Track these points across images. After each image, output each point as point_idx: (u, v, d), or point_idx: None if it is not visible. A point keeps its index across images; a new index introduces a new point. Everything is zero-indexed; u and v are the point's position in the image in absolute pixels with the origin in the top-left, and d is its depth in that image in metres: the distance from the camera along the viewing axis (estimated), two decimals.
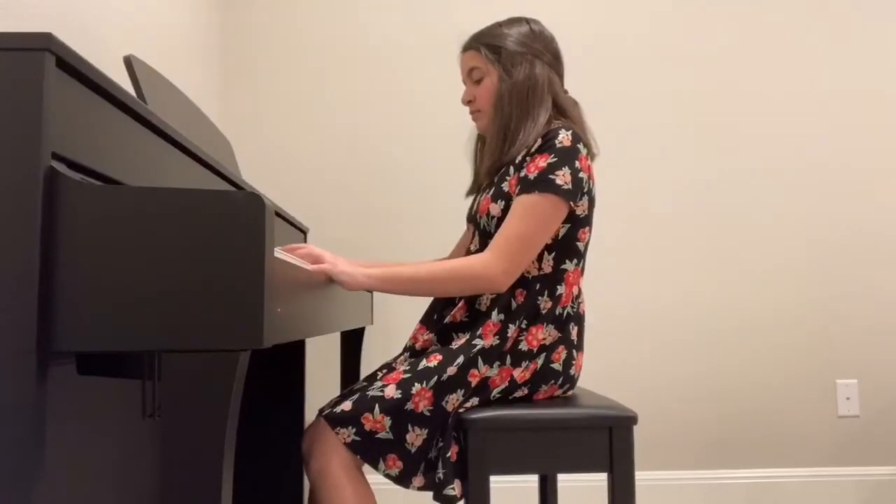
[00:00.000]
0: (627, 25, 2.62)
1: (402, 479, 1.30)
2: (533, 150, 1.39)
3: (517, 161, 1.41)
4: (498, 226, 1.40)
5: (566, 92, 1.53)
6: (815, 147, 2.60)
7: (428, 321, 1.49)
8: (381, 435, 1.29)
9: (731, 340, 2.54)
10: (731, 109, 2.60)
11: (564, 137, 1.37)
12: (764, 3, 2.63)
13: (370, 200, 2.55)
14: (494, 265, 1.32)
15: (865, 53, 2.62)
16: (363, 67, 2.59)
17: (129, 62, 1.29)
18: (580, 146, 1.38)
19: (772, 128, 2.60)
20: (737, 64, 2.61)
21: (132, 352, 0.72)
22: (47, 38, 0.67)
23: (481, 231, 1.46)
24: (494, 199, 1.42)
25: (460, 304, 1.43)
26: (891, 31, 2.63)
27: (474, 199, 1.55)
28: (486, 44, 1.48)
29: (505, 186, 1.41)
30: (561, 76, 1.51)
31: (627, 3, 2.62)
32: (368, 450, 1.29)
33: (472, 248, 1.51)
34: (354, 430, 1.28)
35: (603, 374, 2.52)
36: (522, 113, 1.43)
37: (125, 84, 1.30)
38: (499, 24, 1.50)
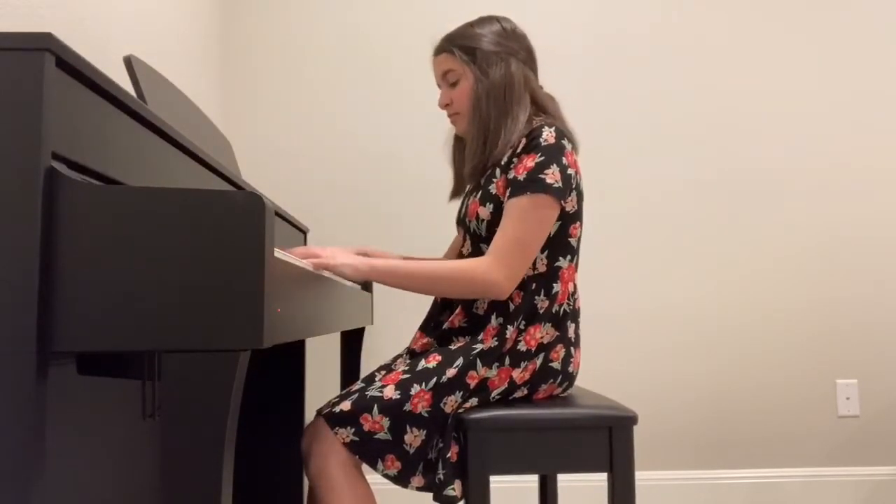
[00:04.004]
0: (627, 24, 2.62)
1: (401, 480, 1.30)
2: (519, 150, 1.38)
3: (503, 162, 1.40)
4: (488, 229, 1.40)
5: (541, 88, 1.52)
6: (815, 147, 2.60)
7: (426, 327, 1.49)
8: (380, 435, 1.28)
9: (731, 340, 2.54)
10: (732, 109, 2.60)
11: (549, 135, 1.36)
12: (764, 4, 2.63)
13: (370, 200, 2.55)
14: (497, 271, 1.32)
15: (866, 53, 2.62)
16: (363, 67, 2.59)
17: (129, 62, 1.29)
18: (565, 142, 1.38)
19: (772, 128, 2.60)
20: (737, 64, 2.61)
21: (132, 352, 0.72)
22: (47, 38, 0.67)
23: (471, 235, 1.45)
24: (482, 202, 1.41)
25: (458, 310, 1.43)
26: (891, 31, 2.63)
27: (462, 203, 1.54)
28: (459, 45, 1.47)
29: (492, 189, 1.40)
30: (535, 72, 1.51)
31: (628, 3, 2.62)
32: (367, 450, 1.29)
33: (465, 251, 1.50)
34: (353, 430, 1.28)
35: (603, 374, 2.52)
36: (501, 113, 1.42)
37: (125, 84, 1.30)
38: (470, 25, 1.49)
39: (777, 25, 2.62)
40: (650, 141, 2.59)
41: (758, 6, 2.63)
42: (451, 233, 2.46)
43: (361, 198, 2.55)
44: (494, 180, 1.40)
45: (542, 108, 1.46)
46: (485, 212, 1.40)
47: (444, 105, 1.52)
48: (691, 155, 2.59)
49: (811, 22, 2.63)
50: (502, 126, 1.41)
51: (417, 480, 1.31)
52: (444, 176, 2.52)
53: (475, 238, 1.44)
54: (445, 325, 1.43)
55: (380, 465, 1.29)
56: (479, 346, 1.34)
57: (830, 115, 2.61)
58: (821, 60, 2.62)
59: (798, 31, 2.62)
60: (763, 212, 2.58)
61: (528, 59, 1.48)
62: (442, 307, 1.49)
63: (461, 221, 1.51)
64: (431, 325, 1.48)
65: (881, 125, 2.61)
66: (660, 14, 2.62)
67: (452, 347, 1.36)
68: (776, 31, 2.62)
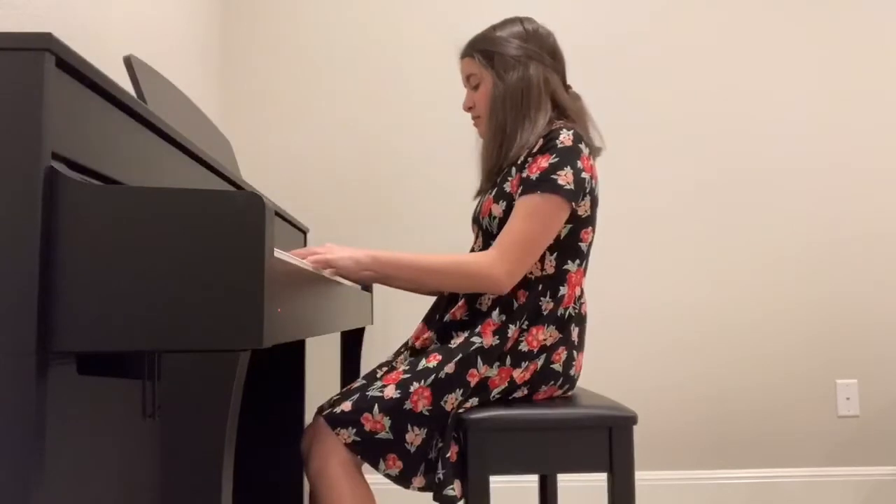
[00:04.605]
0: (628, 25, 2.62)
1: (402, 480, 1.30)
2: (534, 150, 1.38)
3: (519, 162, 1.41)
4: (500, 226, 1.40)
5: (569, 87, 1.52)
6: (815, 147, 2.60)
7: (430, 320, 1.49)
8: (381, 435, 1.28)
9: (731, 340, 2.54)
10: (732, 109, 2.60)
11: (566, 137, 1.37)
12: (764, 3, 2.63)
13: (371, 200, 2.55)
14: (499, 266, 1.32)
15: (865, 53, 2.62)
16: (364, 66, 2.59)
17: (129, 62, 1.29)
18: (581, 146, 1.38)
19: (772, 128, 2.60)
20: (737, 64, 2.61)
21: (132, 352, 0.72)
22: (47, 38, 0.67)
23: (484, 232, 1.46)
24: (496, 199, 1.42)
25: (461, 303, 1.43)
26: (890, 30, 2.63)
27: (479, 201, 1.55)
28: (479, 50, 1.48)
29: (507, 187, 1.41)
30: (561, 72, 1.51)
31: (629, 3, 2.62)
32: (369, 450, 1.29)
33: (476, 248, 1.51)
34: (354, 430, 1.28)
35: (603, 374, 2.52)
36: (518, 116, 1.43)
37: (125, 84, 1.30)
38: (493, 28, 1.50)
39: (778, 26, 2.62)
40: (650, 142, 2.59)
41: (758, 7, 2.63)
42: (452, 233, 2.47)
43: (362, 198, 2.55)
44: (510, 179, 1.41)
45: (564, 110, 1.46)
46: (498, 209, 1.41)
47: (468, 108, 1.53)
48: (691, 155, 2.59)
49: (811, 22, 2.62)
50: (518, 129, 1.42)
51: (419, 481, 1.31)
52: (445, 177, 2.53)
53: (487, 235, 1.45)
54: (447, 318, 1.43)
55: (381, 465, 1.29)
56: (478, 341, 1.34)
57: (831, 116, 2.61)
58: (822, 61, 2.62)
59: (798, 32, 2.62)
60: (763, 212, 2.58)
61: (551, 59, 1.48)
62: (448, 300, 1.49)
63: (475, 219, 1.51)
64: (435, 318, 1.48)
65: (882, 125, 2.61)
66: (660, 15, 2.62)
67: (452, 345, 1.36)
68: (777, 32, 2.62)
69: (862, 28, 2.62)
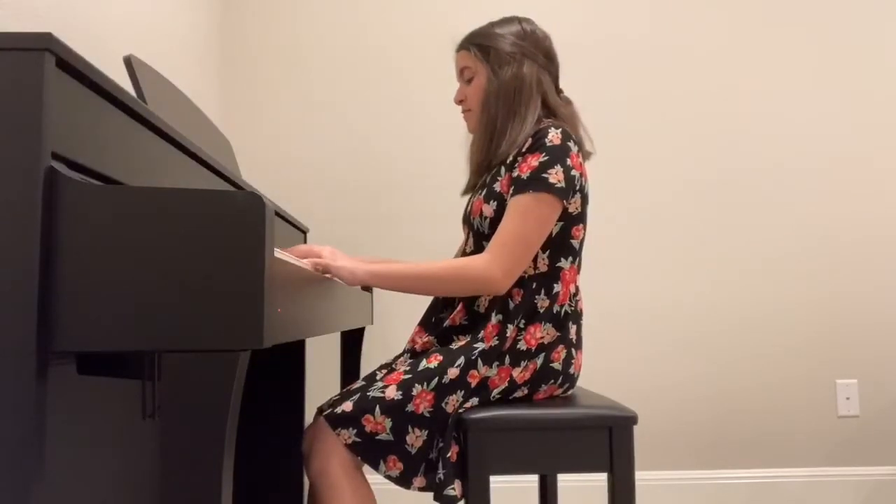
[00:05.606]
0: (627, 25, 2.62)
1: (403, 480, 1.30)
2: (524, 149, 1.39)
3: (508, 161, 1.41)
4: (491, 226, 1.40)
5: (561, 91, 1.53)
6: (815, 147, 2.60)
7: (426, 323, 1.49)
8: (382, 436, 1.29)
9: (731, 340, 2.54)
10: (731, 109, 2.60)
11: (554, 136, 1.37)
12: (764, 5, 2.63)
13: (370, 200, 2.55)
14: (495, 267, 1.33)
15: (865, 53, 2.62)
16: (364, 67, 2.59)
17: (129, 62, 1.29)
18: (570, 144, 1.38)
19: (772, 127, 2.60)
20: (737, 64, 2.61)
21: (132, 352, 0.72)
22: (47, 38, 0.67)
23: (475, 232, 1.46)
24: (487, 199, 1.42)
25: (459, 307, 1.43)
26: (890, 30, 2.63)
27: (468, 201, 1.55)
28: (476, 44, 1.49)
29: (497, 187, 1.41)
30: (554, 75, 1.51)
31: (628, 3, 2.62)
32: (369, 451, 1.29)
33: (468, 249, 1.51)
34: (355, 431, 1.28)
35: (603, 374, 2.52)
36: (509, 112, 1.44)
37: (125, 84, 1.30)
38: (491, 24, 1.51)
39: (777, 26, 2.62)
40: (650, 141, 2.59)
41: (757, 7, 2.63)
42: (451, 233, 2.47)
43: (362, 198, 2.55)
44: (499, 178, 1.41)
45: (554, 111, 1.47)
46: (488, 209, 1.41)
47: (459, 101, 1.54)
48: (691, 155, 2.59)
49: (811, 22, 2.62)
50: (508, 126, 1.43)
51: (419, 481, 1.31)
52: (445, 177, 2.53)
53: (478, 235, 1.45)
54: (447, 323, 1.43)
55: (382, 466, 1.29)
56: (480, 346, 1.35)
57: (830, 115, 2.61)
58: (822, 61, 2.62)
59: (798, 32, 2.62)
60: (762, 212, 2.58)
61: (546, 61, 1.49)
62: (443, 304, 1.49)
63: (466, 219, 1.52)
64: (432, 322, 1.48)
65: (881, 125, 2.61)
66: (659, 15, 2.62)
67: (453, 347, 1.36)
68: (776, 32, 2.62)
69: (861, 28, 2.62)
